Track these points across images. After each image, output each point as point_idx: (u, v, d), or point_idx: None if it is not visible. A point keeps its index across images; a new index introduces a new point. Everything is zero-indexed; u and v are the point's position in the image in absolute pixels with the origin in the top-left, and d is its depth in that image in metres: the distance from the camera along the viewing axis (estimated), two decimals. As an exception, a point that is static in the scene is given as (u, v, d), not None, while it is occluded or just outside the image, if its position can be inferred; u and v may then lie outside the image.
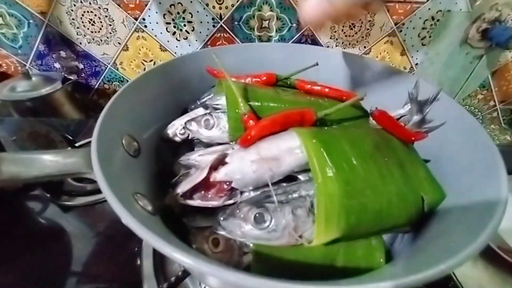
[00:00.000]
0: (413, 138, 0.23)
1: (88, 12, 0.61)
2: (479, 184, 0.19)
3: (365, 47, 0.65)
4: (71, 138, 0.50)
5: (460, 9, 0.60)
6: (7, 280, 0.36)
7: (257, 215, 0.17)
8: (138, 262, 0.36)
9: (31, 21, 0.62)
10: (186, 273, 0.26)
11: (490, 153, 0.20)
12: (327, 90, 0.29)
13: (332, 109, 0.24)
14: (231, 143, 0.25)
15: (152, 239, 0.14)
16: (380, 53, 0.66)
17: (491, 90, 0.74)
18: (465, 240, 0.14)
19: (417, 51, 0.66)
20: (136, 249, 0.37)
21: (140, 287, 0.32)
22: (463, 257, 0.13)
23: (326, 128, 0.24)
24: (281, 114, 0.22)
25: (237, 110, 0.24)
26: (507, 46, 0.60)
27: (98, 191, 0.44)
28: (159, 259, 0.33)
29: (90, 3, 0.59)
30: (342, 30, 0.62)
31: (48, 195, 0.43)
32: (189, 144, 0.31)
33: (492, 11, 0.60)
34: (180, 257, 0.12)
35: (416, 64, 0.69)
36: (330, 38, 0.63)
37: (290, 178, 0.21)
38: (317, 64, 0.33)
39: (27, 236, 0.41)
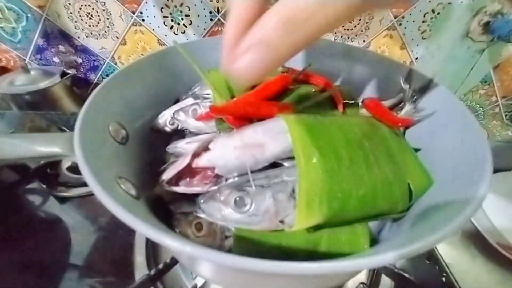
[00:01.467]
0: (400, 124, 0.22)
1: (85, 5, 0.61)
2: (465, 171, 0.18)
3: (364, 41, 0.65)
4: (69, 131, 0.50)
5: (461, 2, 0.59)
6: (4, 270, 0.37)
7: (238, 198, 0.17)
8: (132, 252, 0.36)
9: (29, 15, 0.62)
10: (174, 260, 0.26)
11: (479, 141, 0.19)
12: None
13: (309, 103, 0.24)
14: (219, 132, 0.25)
15: (131, 220, 0.14)
16: (380, 47, 0.66)
17: (493, 85, 0.73)
18: (444, 221, 0.13)
19: (417, 45, 0.66)
20: (131, 245, 0.37)
21: (133, 275, 0.32)
22: (441, 235, 0.13)
23: (314, 115, 0.23)
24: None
25: (222, 98, 0.24)
26: (509, 39, 0.59)
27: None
28: (152, 249, 0.34)
29: (87, -3, 0.59)
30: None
31: (44, 186, 0.43)
32: (181, 135, 0.31)
33: (494, 4, 0.59)
34: (154, 235, 0.12)
35: (416, 58, 0.68)
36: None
37: (276, 166, 0.21)
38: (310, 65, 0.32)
39: (24, 227, 0.42)
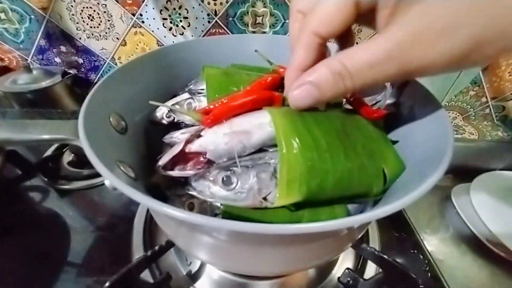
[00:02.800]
0: (375, 115, 0.25)
1: (87, 7, 0.63)
2: (432, 155, 0.20)
3: (357, 43, 0.67)
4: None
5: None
6: (6, 263, 0.38)
7: (225, 177, 0.19)
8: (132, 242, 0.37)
9: (32, 16, 0.64)
10: (169, 244, 0.28)
11: (445, 133, 0.21)
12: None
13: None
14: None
15: (132, 192, 0.15)
16: (371, 48, 0.67)
17: (483, 86, 0.75)
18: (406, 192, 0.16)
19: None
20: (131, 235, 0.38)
21: (130, 257, 0.34)
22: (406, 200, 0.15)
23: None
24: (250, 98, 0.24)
25: (216, 94, 0.26)
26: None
27: (93, 175, 0.46)
28: (149, 235, 0.35)
29: (89, -1, 0.62)
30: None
31: (46, 179, 0.45)
32: (177, 127, 0.33)
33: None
34: (156, 206, 0.14)
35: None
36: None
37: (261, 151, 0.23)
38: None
39: (25, 221, 0.43)
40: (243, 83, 0.27)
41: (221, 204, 0.20)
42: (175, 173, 0.22)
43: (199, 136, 0.22)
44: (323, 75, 0.18)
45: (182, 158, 0.22)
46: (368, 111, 0.25)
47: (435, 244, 0.44)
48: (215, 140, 0.21)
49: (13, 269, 0.37)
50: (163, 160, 0.22)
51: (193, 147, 0.21)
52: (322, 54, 0.21)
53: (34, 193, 0.46)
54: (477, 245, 0.44)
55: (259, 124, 0.22)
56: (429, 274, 0.37)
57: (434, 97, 0.26)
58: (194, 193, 0.19)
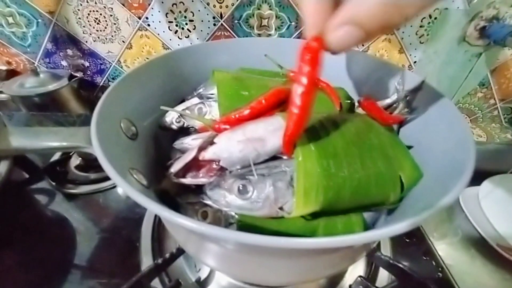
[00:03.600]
0: (391, 121, 0.24)
1: (93, 11, 0.63)
2: (452, 161, 0.20)
3: (362, 45, 0.66)
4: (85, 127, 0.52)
5: (458, 7, 0.61)
6: (12, 265, 0.38)
7: (241, 186, 0.18)
8: (139, 247, 0.37)
9: (39, 20, 0.65)
10: (180, 251, 0.28)
11: (464, 138, 0.21)
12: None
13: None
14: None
15: (147, 202, 0.15)
16: (378, 51, 0.67)
17: (491, 88, 0.74)
18: (427, 205, 0.15)
19: (415, 49, 0.67)
20: (137, 241, 0.38)
21: (139, 266, 0.34)
22: (426, 214, 0.14)
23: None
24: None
25: (227, 99, 0.26)
26: (505, 43, 0.60)
27: (101, 180, 0.46)
28: (157, 242, 0.35)
29: (95, 3, 0.62)
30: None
31: (54, 183, 0.45)
32: (186, 132, 0.32)
33: (489, 9, 0.61)
34: (171, 216, 0.14)
35: (415, 62, 0.69)
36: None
37: (276, 159, 0.22)
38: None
39: (32, 224, 0.43)
40: (254, 88, 0.27)
41: (235, 213, 0.19)
42: (188, 180, 0.21)
43: (212, 143, 0.21)
44: (364, 10, 0.15)
45: (194, 165, 0.22)
46: (384, 117, 0.24)
47: (444, 248, 0.43)
48: (229, 147, 0.20)
49: (20, 272, 0.37)
50: (175, 167, 0.22)
51: (207, 155, 0.20)
52: None
53: (41, 197, 0.46)
54: (487, 250, 0.43)
55: (274, 131, 0.21)
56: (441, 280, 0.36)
57: (449, 101, 0.25)
58: (209, 202, 0.19)
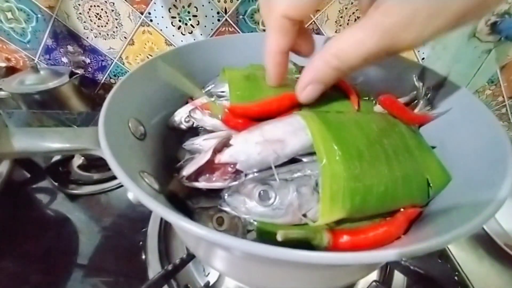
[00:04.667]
0: (418, 121, 0.23)
1: (94, 6, 0.62)
2: (485, 169, 0.18)
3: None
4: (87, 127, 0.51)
5: (468, 2, 0.59)
6: (14, 265, 0.37)
7: (262, 192, 0.17)
8: (142, 249, 0.36)
9: (39, 15, 0.63)
10: (190, 256, 0.27)
11: (498, 138, 0.19)
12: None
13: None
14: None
15: (164, 211, 0.14)
16: (386, 47, 0.66)
17: (500, 85, 0.73)
18: (463, 219, 0.14)
19: (424, 45, 0.66)
20: (141, 241, 0.37)
21: (144, 273, 0.33)
22: (457, 234, 0.13)
23: (330, 112, 0.23)
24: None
25: (239, 99, 0.24)
26: (516, 39, 0.59)
27: (104, 180, 0.44)
28: (164, 247, 0.34)
29: (96, -3, 0.60)
30: (348, 24, 0.61)
31: (56, 183, 0.44)
32: (195, 132, 0.31)
33: (501, 4, 0.59)
34: (189, 226, 0.13)
35: (423, 58, 0.68)
36: (335, 32, 0.63)
37: (295, 161, 0.21)
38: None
39: (33, 225, 0.42)
40: (268, 90, 0.25)
41: (254, 220, 0.18)
42: (202, 184, 0.20)
43: (227, 144, 0.20)
44: (321, 70, 0.19)
45: (208, 168, 0.21)
46: (410, 116, 0.23)
47: (451, 247, 0.43)
48: (247, 150, 0.19)
49: (22, 272, 0.36)
50: (188, 170, 0.20)
51: (223, 157, 0.19)
52: (300, 31, 0.21)
53: (43, 196, 0.46)
54: (495, 250, 0.42)
55: (293, 131, 0.20)
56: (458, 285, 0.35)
57: (475, 98, 0.24)
58: (227, 209, 0.18)
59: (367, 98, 0.28)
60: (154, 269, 0.33)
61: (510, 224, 0.43)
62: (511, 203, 0.48)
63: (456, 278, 0.36)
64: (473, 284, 0.38)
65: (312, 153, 0.20)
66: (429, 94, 0.27)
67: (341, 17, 0.60)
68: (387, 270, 0.34)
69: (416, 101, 0.28)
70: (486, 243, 0.43)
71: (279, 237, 0.15)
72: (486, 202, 0.14)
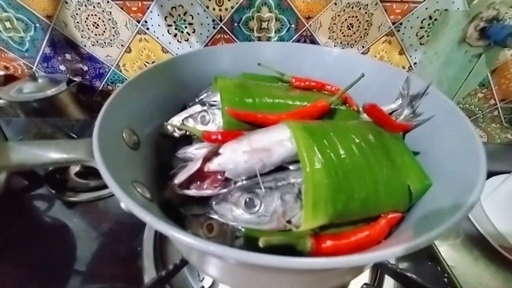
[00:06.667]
0: (399, 129, 0.24)
1: (92, 15, 0.63)
2: (462, 170, 0.19)
3: (363, 46, 0.66)
4: (75, 137, 0.52)
5: (458, 8, 0.60)
6: (12, 272, 0.37)
7: (248, 200, 0.18)
8: (139, 256, 0.37)
9: (37, 24, 0.64)
10: (184, 262, 0.27)
11: (473, 143, 0.20)
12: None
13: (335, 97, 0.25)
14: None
15: (152, 221, 0.14)
16: (379, 53, 0.67)
17: (491, 88, 0.74)
18: (441, 222, 0.15)
19: (416, 50, 0.67)
20: (138, 248, 0.38)
21: (141, 279, 0.33)
22: (438, 232, 0.14)
23: (315, 121, 0.24)
24: None
25: (230, 102, 0.25)
26: (505, 44, 0.60)
27: (101, 187, 0.45)
28: (159, 253, 0.35)
29: (94, 7, 0.61)
30: (340, 30, 0.63)
31: (53, 191, 0.44)
32: (188, 140, 0.32)
33: (489, 10, 0.60)
34: (178, 235, 0.13)
35: (415, 63, 0.69)
36: (329, 38, 0.64)
37: (281, 169, 0.22)
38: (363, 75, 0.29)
39: (31, 232, 0.42)
40: (259, 96, 0.26)
41: (241, 227, 0.19)
42: (192, 192, 0.21)
43: (217, 153, 0.21)
44: None
45: (198, 176, 0.22)
46: (391, 124, 0.24)
47: (446, 250, 0.43)
48: (234, 158, 0.20)
49: (20, 279, 0.37)
50: (180, 179, 0.21)
51: (212, 166, 0.20)
52: None
53: (41, 204, 0.46)
54: (490, 251, 0.43)
55: (279, 141, 0.21)
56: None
57: (455, 107, 0.25)
58: (215, 216, 0.19)
59: (354, 107, 0.29)
60: (150, 275, 0.33)
61: (504, 226, 0.43)
62: (506, 205, 0.49)
63: (445, 280, 0.37)
64: (468, 285, 0.38)
65: (298, 161, 0.21)
66: (413, 102, 0.28)
67: (334, 24, 0.62)
68: (377, 274, 0.34)
69: (401, 108, 0.29)
70: (481, 244, 0.44)
71: (260, 244, 0.16)
72: (458, 207, 0.15)
